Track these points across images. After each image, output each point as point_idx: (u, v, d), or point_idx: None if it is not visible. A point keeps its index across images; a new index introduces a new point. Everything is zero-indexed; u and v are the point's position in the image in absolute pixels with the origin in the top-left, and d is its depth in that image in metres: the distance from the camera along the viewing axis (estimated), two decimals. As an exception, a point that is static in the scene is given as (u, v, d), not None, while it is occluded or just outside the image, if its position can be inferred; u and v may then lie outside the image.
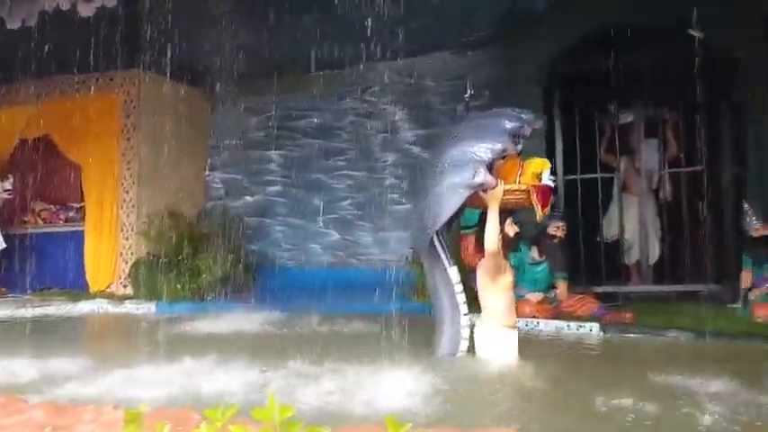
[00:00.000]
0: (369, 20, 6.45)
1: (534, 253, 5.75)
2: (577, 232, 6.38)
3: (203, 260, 7.67)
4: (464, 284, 4.17)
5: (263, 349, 4.58)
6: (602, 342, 4.87)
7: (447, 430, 2.39)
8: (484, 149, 3.81)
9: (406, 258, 7.28)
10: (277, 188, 9.25)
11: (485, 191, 3.84)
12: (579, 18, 6.46)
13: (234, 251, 8.13)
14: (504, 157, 3.98)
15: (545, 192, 3.99)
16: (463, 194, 3.83)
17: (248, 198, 9.39)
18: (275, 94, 9.07)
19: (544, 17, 6.69)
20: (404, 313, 6.15)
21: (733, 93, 6.20)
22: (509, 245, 5.37)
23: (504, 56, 6.98)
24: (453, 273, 4.13)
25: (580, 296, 5.66)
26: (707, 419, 2.78)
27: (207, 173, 9.63)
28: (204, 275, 7.54)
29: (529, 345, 4.79)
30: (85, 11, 6.04)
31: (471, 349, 4.06)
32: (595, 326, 5.06)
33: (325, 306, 6.36)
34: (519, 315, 5.39)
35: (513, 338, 4.01)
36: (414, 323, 5.79)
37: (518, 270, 5.74)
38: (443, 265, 4.15)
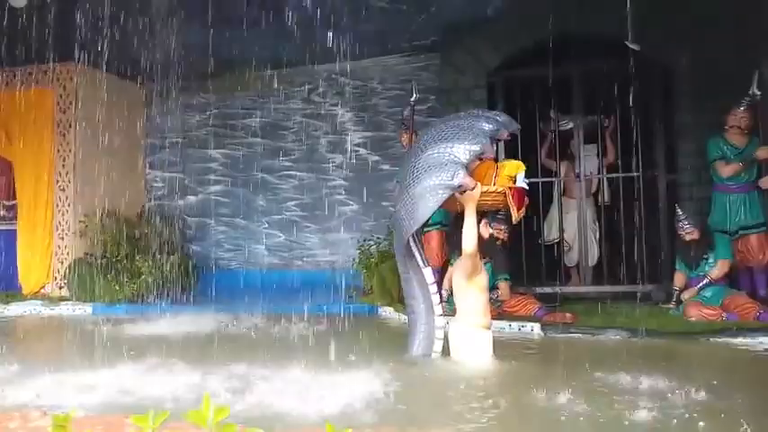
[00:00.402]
0: (317, 21, 6.42)
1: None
2: (519, 235, 6.50)
3: (143, 261, 7.47)
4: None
5: (202, 352, 4.50)
6: (542, 342, 4.97)
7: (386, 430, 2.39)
8: (463, 151, 3.82)
9: (353, 260, 7.29)
10: (220, 188, 9.08)
11: (462, 192, 3.86)
12: (522, 26, 6.61)
13: (175, 252, 7.95)
14: (480, 159, 4.01)
15: (520, 194, 4.06)
16: (442, 196, 3.82)
17: (190, 197, 9.20)
18: (219, 92, 8.94)
19: (488, 25, 6.79)
20: (350, 314, 6.21)
21: (666, 101, 6.44)
22: (484, 246, 5.47)
23: (449, 61, 7.06)
24: (428, 273, 4.14)
25: (521, 297, 5.76)
26: (639, 415, 2.87)
27: (147, 171, 9.39)
28: (143, 276, 7.33)
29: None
30: (17, 2, 5.79)
31: (445, 350, 4.08)
32: (536, 326, 5.17)
33: (269, 308, 6.28)
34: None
35: (487, 339, 4.04)
36: (360, 324, 5.86)
37: (462, 272, 5.83)
38: (418, 265, 4.15)
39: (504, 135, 4.00)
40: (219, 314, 6.29)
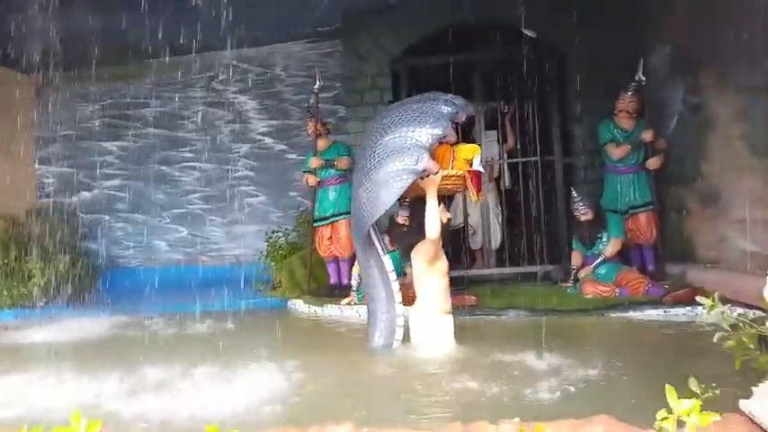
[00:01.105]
0: (216, 5, 6.18)
1: (386, 242, 5.82)
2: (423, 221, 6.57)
3: (34, 263, 6.98)
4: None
5: (100, 357, 4.26)
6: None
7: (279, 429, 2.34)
8: (425, 134, 3.74)
9: (260, 253, 7.14)
10: (117, 182, 8.64)
11: (423, 177, 3.79)
12: (423, 14, 6.64)
13: (70, 252, 7.49)
14: (441, 143, 3.93)
15: (478, 177, 4.05)
16: (407, 180, 3.72)
17: (85, 193, 8.70)
18: (113, 81, 8.49)
19: (390, 12, 6.79)
20: (259, 309, 6.09)
21: (560, 87, 6.69)
22: (392, 234, 5.46)
23: (352, 48, 7.00)
24: (387, 261, 4.08)
25: (429, 282, 5.82)
26: (539, 393, 2.98)
27: (37, 167, 8.78)
28: (35, 279, 6.87)
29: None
30: None
31: (406, 337, 4.04)
32: (443, 310, 5.24)
33: (172, 307, 6.04)
34: (371, 303, 5.52)
35: (449, 323, 4.02)
36: (269, 319, 5.75)
37: (371, 260, 5.83)
38: (378, 253, 4.09)
39: (462, 118, 3.96)
40: (118, 316, 5.98)
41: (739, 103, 4.71)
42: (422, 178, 3.80)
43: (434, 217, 3.86)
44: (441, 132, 3.79)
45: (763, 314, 2.63)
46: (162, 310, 5.95)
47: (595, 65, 6.25)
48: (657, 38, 6.00)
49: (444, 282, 4.03)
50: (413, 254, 4.12)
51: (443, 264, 4.04)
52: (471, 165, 4.03)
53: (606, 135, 5.90)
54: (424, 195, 3.91)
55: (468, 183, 4.00)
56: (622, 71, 5.82)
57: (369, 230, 3.99)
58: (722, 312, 2.63)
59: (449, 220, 5.64)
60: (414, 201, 4.22)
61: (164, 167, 8.51)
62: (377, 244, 4.09)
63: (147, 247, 8.57)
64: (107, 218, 8.66)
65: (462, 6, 6.48)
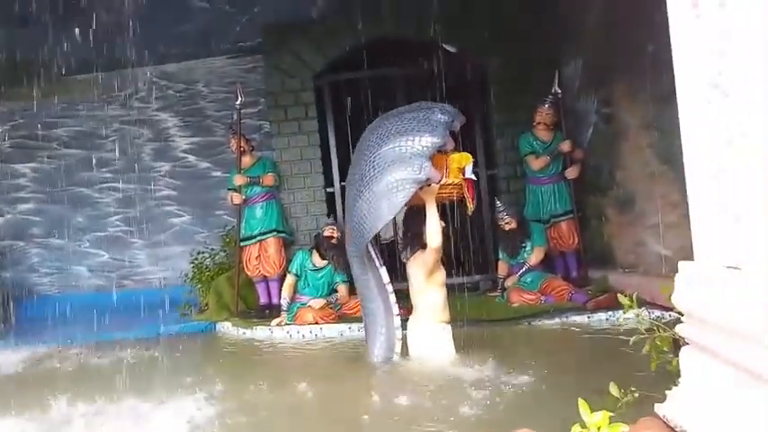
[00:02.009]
0: (134, 21, 6.00)
1: (315, 259, 5.77)
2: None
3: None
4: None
5: (9, 393, 4.00)
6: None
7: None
8: (425, 143, 3.67)
9: (186, 275, 6.91)
10: (30, 206, 8.18)
11: (424, 186, 3.73)
12: (344, 29, 6.64)
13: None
14: (439, 152, 3.85)
15: (472, 185, 4.02)
16: (410, 190, 3.63)
17: (-5, 219, 8.21)
18: (24, 100, 8.05)
19: (311, 27, 6.78)
20: (185, 334, 5.88)
21: (482, 100, 6.84)
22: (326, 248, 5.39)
23: (274, 64, 6.93)
24: (384, 273, 4.01)
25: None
26: (465, 406, 2.99)
27: (-60, 192, 8.23)
28: (-61, 314, 6.41)
29: (311, 351, 4.84)
30: None
31: (404, 350, 3.99)
32: (375, 326, 5.22)
33: (94, 335, 5.76)
34: (302, 323, 5.44)
35: (448, 334, 3.98)
36: (196, 344, 5.56)
37: (300, 278, 5.75)
38: (376, 265, 4.00)
39: (458, 126, 3.92)
40: (35, 347, 5.65)
41: (647, 114, 4.94)
42: (421, 188, 3.76)
43: (436, 226, 3.85)
44: (440, 141, 3.74)
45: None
46: (82, 340, 5.65)
47: (514, 78, 6.43)
48: (571, 51, 6.23)
49: (443, 292, 4.03)
50: (411, 264, 4.07)
51: (442, 274, 4.04)
52: (464, 173, 4.01)
53: (526, 147, 6.06)
54: (417, 205, 3.91)
55: (465, 191, 4.00)
56: (539, 84, 6.00)
57: (368, 243, 3.93)
58: (637, 315, 2.73)
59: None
60: (407, 213, 4.15)
61: (82, 189, 8.13)
62: (374, 256, 4.04)
63: (66, 274, 8.16)
64: (21, 243, 8.19)
65: (383, 21, 6.54)
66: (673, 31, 1.77)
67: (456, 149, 4.00)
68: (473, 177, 4.06)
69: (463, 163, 4.00)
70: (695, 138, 1.74)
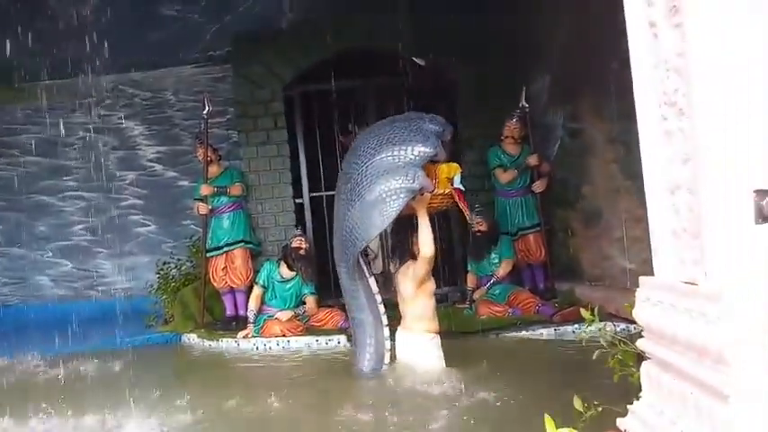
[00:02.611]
0: (102, 27, 5.90)
1: (283, 270, 5.72)
2: (325, 247, 6.52)
3: None
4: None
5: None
6: (349, 353, 4.96)
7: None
8: (418, 153, 3.66)
9: (151, 286, 6.79)
10: (-10, 214, 8.00)
11: (416, 196, 3.70)
12: (313, 41, 6.62)
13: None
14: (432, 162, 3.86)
15: (462, 195, 4.02)
16: (404, 199, 3.60)
17: (-47, 227, 7.98)
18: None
19: (281, 38, 6.75)
20: (150, 346, 5.76)
21: (451, 113, 6.86)
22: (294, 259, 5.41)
23: (243, 74, 6.88)
24: (373, 283, 3.98)
25: (328, 309, 5.76)
26: (432, 421, 2.98)
27: None
28: None
29: (278, 364, 4.78)
30: None
31: (392, 361, 3.98)
32: (342, 338, 5.19)
33: (56, 347, 5.61)
34: (269, 335, 5.38)
35: (437, 344, 3.96)
36: (161, 356, 5.45)
37: (267, 289, 5.69)
38: (365, 275, 3.97)
39: (448, 136, 3.92)
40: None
41: (612, 129, 5.01)
42: (413, 198, 3.73)
43: (429, 235, 3.83)
44: (432, 150, 3.73)
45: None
46: (43, 352, 5.50)
47: (482, 92, 6.47)
48: (539, 67, 6.31)
49: (432, 302, 4.03)
50: (400, 274, 4.04)
51: (432, 284, 4.04)
52: (452, 183, 4.02)
53: (494, 160, 6.11)
54: (406, 216, 3.88)
55: (459, 201, 4.00)
56: (508, 99, 6.05)
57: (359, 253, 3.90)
58: (600, 329, 2.74)
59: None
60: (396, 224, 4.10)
61: (44, 197, 7.96)
62: (363, 266, 4.01)
63: (27, 284, 7.96)
64: (-20, 253, 7.98)
65: (353, 33, 6.54)
66: (632, 49, 1.79)
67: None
68: (461, 187, 4.06)
69: (452, 173, 4.03)
70: (653, 154, 1.76)
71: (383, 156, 3.72)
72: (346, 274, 4.00)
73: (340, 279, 4.11)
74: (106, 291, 7.84)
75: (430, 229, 3.86)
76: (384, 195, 3.64)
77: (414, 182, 3.63)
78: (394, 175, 3.65)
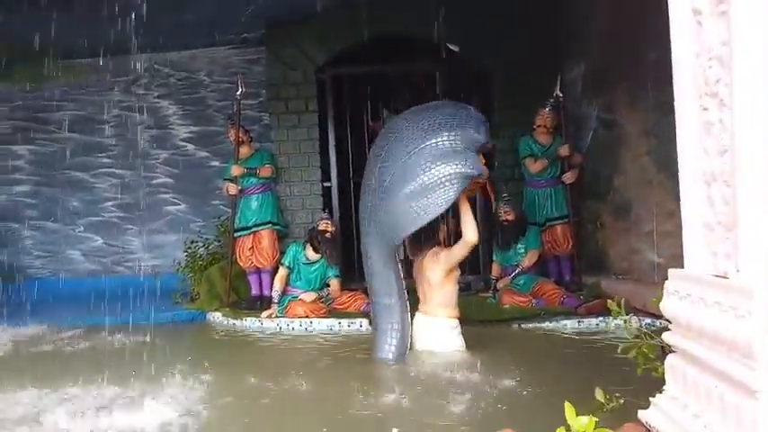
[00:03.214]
0: (139, 7, 5.95)
1: (309, 252, 5.76)
2: (351, 231, 6.54)
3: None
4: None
5: (3, 374, 4.00)
6: (371, 337, 4.99)
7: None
8: (474, 139, 3.76)
9: (179, 264, 6.89)
10: (26, 188, 8.16)
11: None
12: (348, 23, 6.60)
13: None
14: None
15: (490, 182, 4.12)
16: (463, 184, 3.70)
17: (-9, 200, 8.19)
18: (25, 82, 8.02)
19: (315, 20, 6.74)
20: (176, 322, 5.87)
21: (483, 100, 6.80)
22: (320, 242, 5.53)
23: (277, 56, 6.91)
24: (400, 268, 4.06)
25: (352, 293, 5.80)
26: (451, 406, 2.99)
27: (-64, 170, 8.21)
28: (-70, 292, 6.38)
29: (300, 345, 4.83)
30: None
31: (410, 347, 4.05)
32: (365, 321, 5.21)
33: (85, 319, 5.75)
34: (292, 315, 5.44)
35: (459, 330, 4.08)
36: (186, 332, 5.55)
37: (293, 270, 5.74)
38: (396, 260, 4.03)
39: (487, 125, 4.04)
40: (27, 329, 5.66)
41: (647, 121, 4.93)
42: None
43: (473, 221, 3.93)
44: (485, 138, 3.84)
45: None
46: (73, 323, 5.67)
47: (516, 80, 6.40)
48: (575, 55, 6.22)
49: (456, 288, 4.14)
50: (428, 260, 4.07)
51: (458, 270, 4.14)
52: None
53: (525, 150, 6.05)
54: None
55: (488, 186, 4.21)
56: (541, 87, 5.97)
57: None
58: (625, 322, 2.72)
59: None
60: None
61: (78, 173, 8.12)
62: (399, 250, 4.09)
63: (59, 257, 8.15)
64: (15, 225, 8.17)
65: (387, 18, 6.51)
66: (674, 38, 1.76)
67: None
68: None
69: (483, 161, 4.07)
70: (690, 145, 1.73)
71: (436, 141, 3.75)
72: (380, 258, 3.99)
73: (368, 263, 4.09)
74: (134, 267, 7.99)
75: (472, 215, 3.93)
76: (443, 180, 3.68)
77: (473, 167, 3.69)
78: (452, 160, 3.70)
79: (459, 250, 3.97)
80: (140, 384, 3.48)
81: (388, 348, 3.99)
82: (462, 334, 4.14)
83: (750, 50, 1.45)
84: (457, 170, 3.68)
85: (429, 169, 3.71)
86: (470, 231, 3.89)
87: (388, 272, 4.02)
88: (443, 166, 3.69)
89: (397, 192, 3.79)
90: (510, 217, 5.76)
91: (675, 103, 1.78)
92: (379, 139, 4.18)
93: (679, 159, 1.81)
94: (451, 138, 3.74)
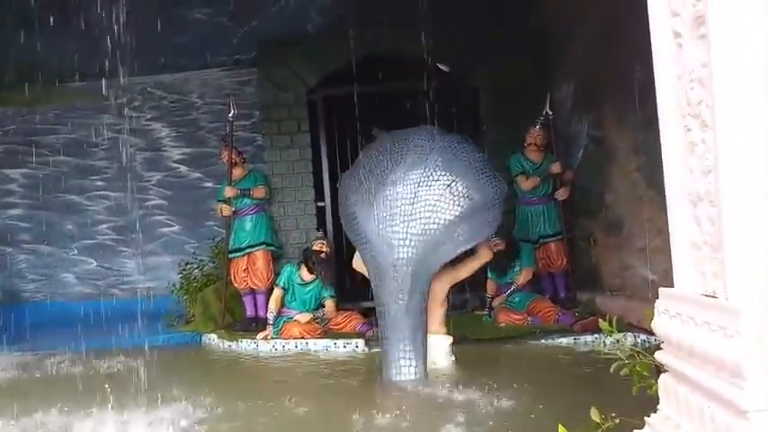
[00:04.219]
0: (132, 31, 6.00)
1: (303, 273, 5.75)
2: (345, 251, 6.53)
3: None
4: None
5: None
6: (366, 357, 4.98)
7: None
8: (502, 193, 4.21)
9: (173, 286, 6.87)
10: (19, 211, 8.15)
11: None
12: (339, 45, 6.63)
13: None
14: None
15: None
16: (490, 233, 4.22)
17: (-17, 224, 8.15)
18: (18, 105, 8.04)
19: (306, 42, 6.81)
20: (171, 345, 5.83)
21: (474, 119, 6.87)
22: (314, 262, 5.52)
23: (269, 77, 6.96)
24: None
25: (347, 313, 5.78)
26: (448, 428, 2.98)
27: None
28: None
29: (296, 366, 4.81)
30: None
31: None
32: (360, 342, 5.20)
33: (79, 343, 5.70)
34: (288, 337, 5.41)
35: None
36: (181, 355, 5.52)
37: (288, 291, 5.73)
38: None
39: None
40: (18, 354, 5.61)
41: (636, 137, 4.96)
42: None
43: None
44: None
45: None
46: (67, 348, 5.61)
47: (506, 98, 6.44)
48: (564, 73, 6.28)
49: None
50: (437, 276, 4.08)
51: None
52: None
53: (517, 167, 6.08)
54: None
55: None
56: (531, 105, 6.01)
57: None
58: (618, 341, 2.72)
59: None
60: None
61: (72, 196, 8.11)
62: None
63: (53, 281, 8.11)
64: (9, 249, 8.14)
65: (377, 38, 6.57)
66: (656, 59, 1.78)
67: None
68: None
69: None
70: (676, 165, 1.75)
71: (476, 178, 4.02)
72: (425, 276, 3.94)
73: (399, 283, 3.90)
74: (129, 289, 7.95)
75: None
76: (493, 202, 3.98)
77: (497, 222, 4.05)
78: (489, 183, 3.99)
79: (470, 268, 4.18)
80: (132, 408, 3.45)
81: (416, 367, 3.87)
82: (458, 353, 4.16)
83: (729, 72, 1.47)
84: (491, 219, 3.98)
85: (477, 192, 3.94)
86: (485, 248, 4.14)
87: (428, 289, 4.01)
88: (488, 190, 3.98)
89: (440, 214, 3.91)
90: (501, 247, 5.76)
91: (660, 124, 1.80)
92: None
93: (665, 179, 1.83)
94: (488, 185, 4.06)
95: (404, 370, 3.85)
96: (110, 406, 3.51)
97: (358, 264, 4.34)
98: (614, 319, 2.72)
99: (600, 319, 2.78)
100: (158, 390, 3.81)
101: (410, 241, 3.89)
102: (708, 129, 1.58)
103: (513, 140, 6.24)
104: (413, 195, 3.94)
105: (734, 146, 1.50)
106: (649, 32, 1.83)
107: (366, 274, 4.18)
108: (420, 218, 3.89)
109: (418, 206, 3.91)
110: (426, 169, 3.99)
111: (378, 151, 4.30)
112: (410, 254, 3.88)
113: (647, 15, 1.82)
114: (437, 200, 3.90)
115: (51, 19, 6.32)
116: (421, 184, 3.96)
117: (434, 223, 3.87)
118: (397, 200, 3.96)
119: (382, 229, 3.95)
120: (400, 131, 4.41)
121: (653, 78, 1.82)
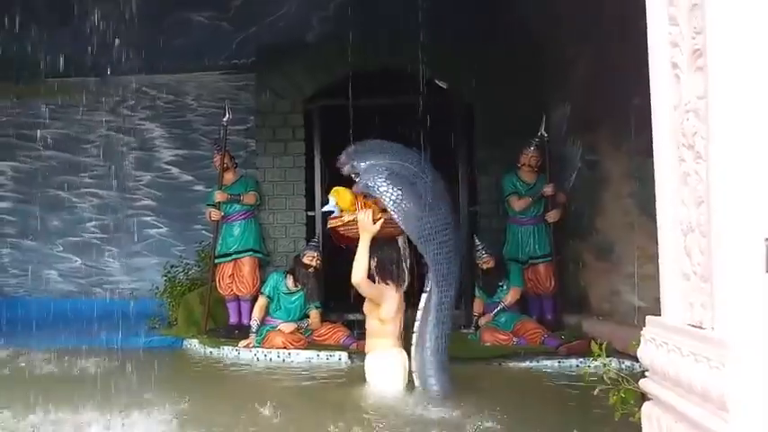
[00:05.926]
0: (130, 29, 5.98)
1: (289, 282, 5.71)
2: (332, 262, 6.50)
3: None
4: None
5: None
6: (348, 370, 4.93)
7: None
8: None
9: (157, 288, 6.80)
10: (6, 204, 8.07)
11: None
12: (338, 57, 6.64)
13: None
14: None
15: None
16: None
17: (-32, 216, 8.06)
18: (9, 98, 7.99)
19: (306, 51, 6.81)
20: (151, 348, 5.75)
21: (468, 136, 6.88)
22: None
23: (266, 84, 6.96)
24: None
25: (331, 325, 5.74)
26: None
27: None
28: None
29: (276, 376, 4.75)
30: None
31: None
32: (343, 354, 5.16)
33: (58, 342, 5.62)
34: (270, 346, 5.36)
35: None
36: (160, 359, 5.43)
37: (273, 300, 5.68)
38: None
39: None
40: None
41: (630, 163, 4.98)
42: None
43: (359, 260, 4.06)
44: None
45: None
46: (44, 345, 5.52)
47: (501, 118, 6.46)
48: (561, 96, 6.31)
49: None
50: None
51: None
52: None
53: (509, 187, 6.09)
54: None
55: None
56: (526, 125, 6.04)
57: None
58: (604, 365, 2.71)
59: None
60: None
61: (60, 192, 8.02)
62: None
63: (36, 276, 8.00)
64: (-7, 243, 8.05)
65: (377, 52, 6.59)
66: (653, 89, 1.79)
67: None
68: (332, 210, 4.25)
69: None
70: (668, 194, 1.75)
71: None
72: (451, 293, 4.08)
73: (438, 298, 4.12)
74: (112, 289, 7.85)
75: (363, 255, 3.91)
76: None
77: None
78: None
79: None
80: (104, 410, 3.39)
81: (440, 382, 3.87)
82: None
83: (726, 106, 1.48)
84: None
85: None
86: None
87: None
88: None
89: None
90: (490, 265, 5.77)
91: (654, 152, 1.80)
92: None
93: (657, 207, 1.83)
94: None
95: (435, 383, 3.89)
96: (74, 407, 3.44)
97: (364, 281, 4.06)
98: (604, 344, 2.71)
99: (590, 342, 2.77)
100: (130, 393, 3.75)
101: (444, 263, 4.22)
102: (701, 160, 1.58)
103: (506, 159, 6.24)
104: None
105: (726, 178, 1.50)
106: (645, 63, 1.84)
107: (369, 293, 4.08)
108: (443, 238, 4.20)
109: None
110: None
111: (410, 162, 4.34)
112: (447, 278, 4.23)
113: (647, 44, 1.83)
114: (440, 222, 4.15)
115: (49, 15, 6.29)
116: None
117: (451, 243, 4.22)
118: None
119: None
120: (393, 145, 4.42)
121: (649, 106, 1.82)
